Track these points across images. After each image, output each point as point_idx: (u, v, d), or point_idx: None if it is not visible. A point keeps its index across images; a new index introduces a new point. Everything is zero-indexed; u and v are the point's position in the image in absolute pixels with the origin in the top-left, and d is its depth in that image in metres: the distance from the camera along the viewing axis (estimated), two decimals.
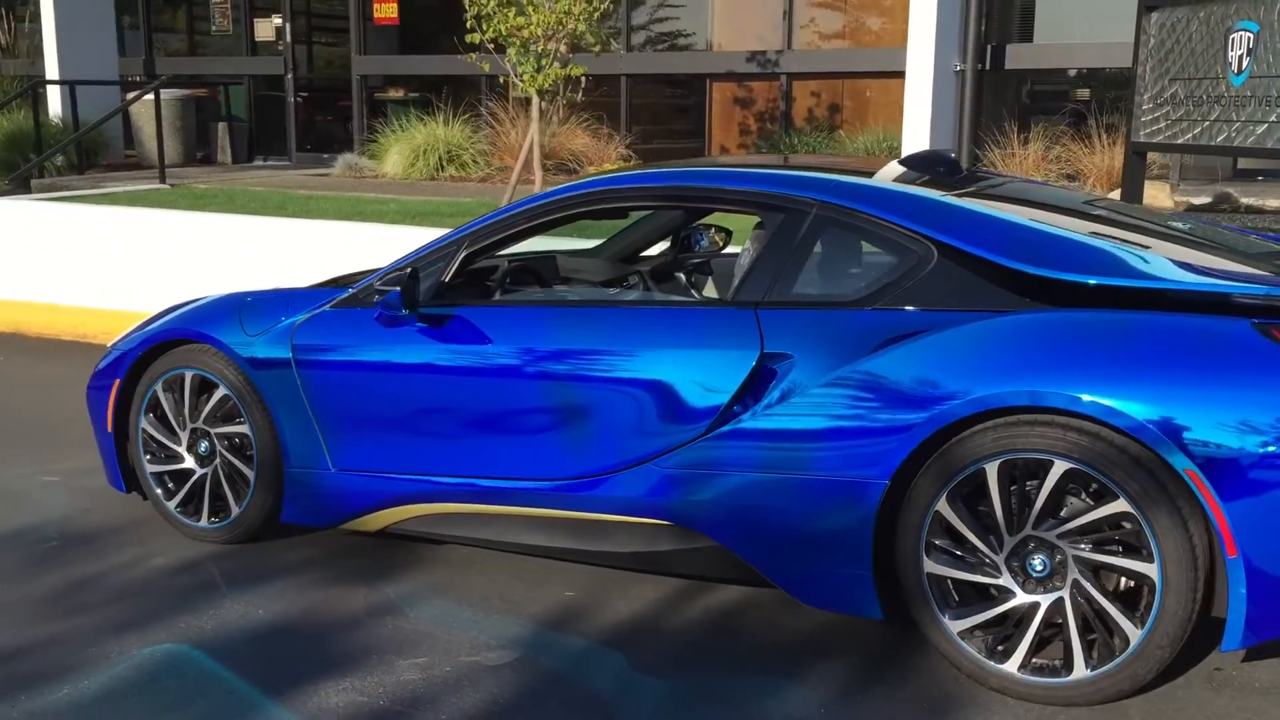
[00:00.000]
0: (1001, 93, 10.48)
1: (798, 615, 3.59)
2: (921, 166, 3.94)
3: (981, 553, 3.10)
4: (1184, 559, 2.86)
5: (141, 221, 8.24)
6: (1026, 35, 10.80)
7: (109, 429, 4.44)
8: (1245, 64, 5.81)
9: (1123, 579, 3.03)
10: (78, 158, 11.79)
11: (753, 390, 3.37)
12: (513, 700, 3.15)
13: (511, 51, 7.93)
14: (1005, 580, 3.08)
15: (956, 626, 3.13)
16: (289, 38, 13.97)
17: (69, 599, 3.83)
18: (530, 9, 7.71)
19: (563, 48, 7.95)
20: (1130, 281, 3.09)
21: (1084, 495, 3.00)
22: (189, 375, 4.24)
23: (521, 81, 7.93)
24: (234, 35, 14.67)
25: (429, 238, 4.57)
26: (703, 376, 3.43)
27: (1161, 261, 3.22)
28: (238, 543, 4.25)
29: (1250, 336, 2.88)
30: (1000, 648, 3.09)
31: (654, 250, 5.10)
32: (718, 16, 12.18)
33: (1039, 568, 3.04)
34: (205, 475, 4.26)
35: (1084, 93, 10.29)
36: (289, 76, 14.00)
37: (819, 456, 3.22)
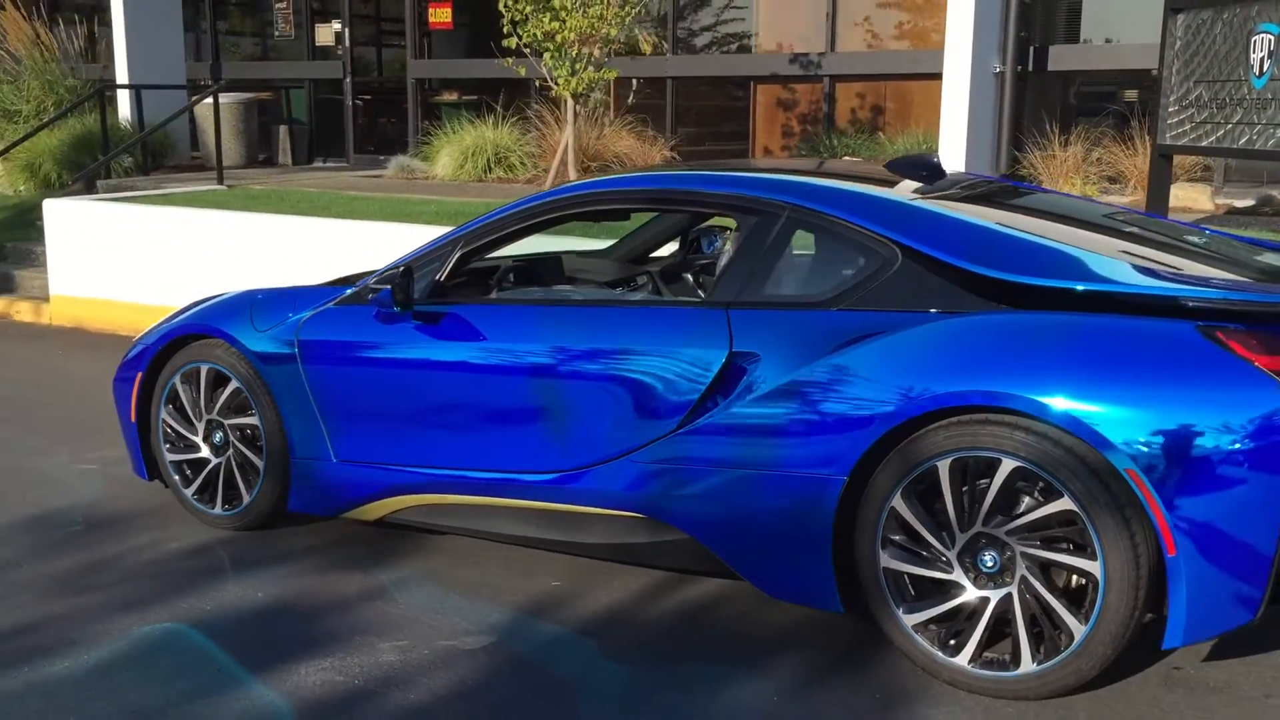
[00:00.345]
0: (1044, 94, 10.40)
1: (771, 609, 3.67)
2: (905, 171, 4.01)
3: (935, 548, 3.17)
4: (1126, 557, 2.91)
5: (193, 221, 8.52)
6: (1073, 36, 10.72)
7: (132, 419, 4.67)
8: (1267, 67, 5.76)
9: (1074, 577, 3.08)
10: (144, 159, 12.16)
11: (722, 388, 3.47)
12: (480, 682, 3.29)
13: (547, 56, 8.07)
14: (957, 575, 3.15)
15: (911, 620, 3.20)
16: (348, 42, 14.29)
17: (82, 579, 4.04)
18: (564, 14, 7.85)
19: (596, 52, 8.08)
20: (1082, 284, 3.14)
21: (1036, 494, 3.06)
22: (204, 369, 4.44)
23: (556, 85, 8.07)
24: (296, 40, 15.03)
25: None
26: (676, 374, 3.54)
27: (1119, 265, 3.26)
28: (249, 530, 4.44)
29: (1193, 338, 2.92)
30: (952, 641, 3.16)
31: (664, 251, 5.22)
32: (762, 19, 12.25)
33: (989, 564, 3.10)
34: (219, 464, 4.46)
35: (1130, 94, 10.19)
36: (347, 80, 14.32)
37: (781, 452, 3.32)
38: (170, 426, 4.56)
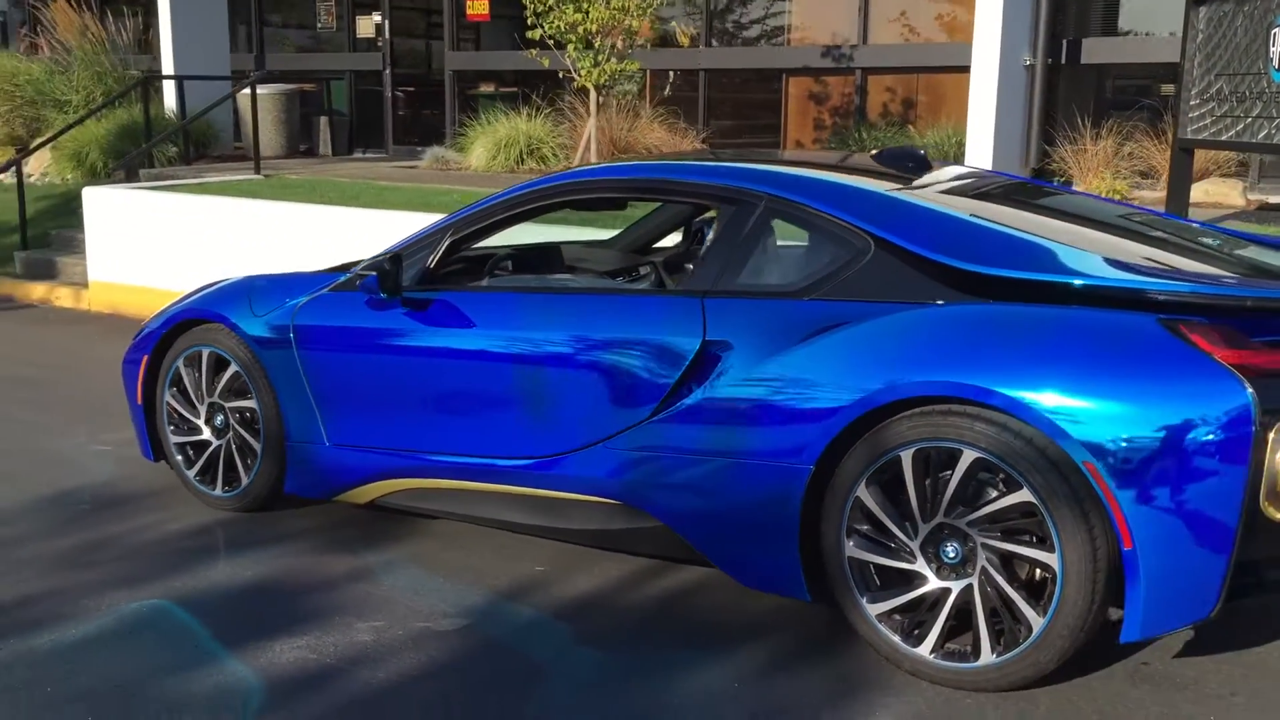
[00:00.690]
0: (1077, 87, 10.27)
1: (748, 598, 3.69)
2: (891, 162, 4.01)
3: (899, 539, 3.17)
4: (1083, 550, 2.90)
5: (225, 209, 8.66)
6: (1110, 29, 10.57)
7: (139, 401, 4.78)
8: None
9: (1035, 570, 3.07)
10: (186, 149, 12.38)
11: (695, 376, 3.50)
12: (449, 663, 3.35)
13: (570, 48, 8.11)
14: (920, 566, 3.15)
15: (874, 610, 3.21)
16: (388, 34, 14.43)
17: (82, 556, 4.15)
18: (586, 5, 7.89)
19: (619, 43, 8.11)
20: (1049, 276, 3.12)
21: (997, 485, 3.06)
22: (205, 353, 4.53)
23: (579, 76, 8.10)
24: (338, 32, 15.21)
25: None
26: (651, 362, 3.57)
27: (1090, 258, 3.23)
28: (248, 511, 4.53)
29: (1155, 331, 2.90)
30: (915, 631, 3.17)
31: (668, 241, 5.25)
32: (796, 12, 12.21)
33: (951, 555, 3.10)
34: (220, 447, 4.56)
35: (1166, 88, 10.02)
36: (387, 72, 14.46)
37: (750, 441, 3.34)
38: (174, 409, 4.66)
